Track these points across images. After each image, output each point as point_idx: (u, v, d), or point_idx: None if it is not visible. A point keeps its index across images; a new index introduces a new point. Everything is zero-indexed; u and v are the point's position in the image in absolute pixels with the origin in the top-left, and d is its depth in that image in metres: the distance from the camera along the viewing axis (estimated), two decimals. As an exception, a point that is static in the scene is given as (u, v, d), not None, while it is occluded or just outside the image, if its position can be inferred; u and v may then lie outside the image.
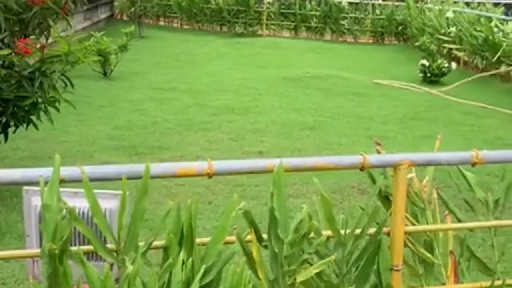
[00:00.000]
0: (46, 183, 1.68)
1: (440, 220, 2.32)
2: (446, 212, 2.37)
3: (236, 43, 14.05)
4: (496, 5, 11.87)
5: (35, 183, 1.72)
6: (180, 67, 10.66)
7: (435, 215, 2.36)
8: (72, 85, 4.31)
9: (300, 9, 15.71)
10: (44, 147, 5.60)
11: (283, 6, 15.87)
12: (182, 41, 14.12)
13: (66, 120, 6.04)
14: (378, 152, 2.32)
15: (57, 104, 4.28)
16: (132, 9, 15.11)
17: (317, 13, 15.53)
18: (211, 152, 5.75)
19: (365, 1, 15.62)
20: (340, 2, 15.48)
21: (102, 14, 15.90)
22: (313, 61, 11.79)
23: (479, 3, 12.13)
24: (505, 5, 12.37)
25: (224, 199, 4.50)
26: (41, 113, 4.31)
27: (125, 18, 16.78)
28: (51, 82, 4.14)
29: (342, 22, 15.41)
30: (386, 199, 2.24)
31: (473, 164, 2.16)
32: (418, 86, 8.89)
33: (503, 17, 10.13)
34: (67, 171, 1.74)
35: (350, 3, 15.58)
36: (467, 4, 12.39)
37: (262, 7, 15.90)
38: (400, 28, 14.78)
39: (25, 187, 2.12)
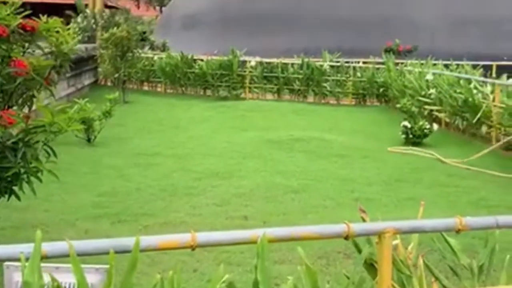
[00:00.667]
0: (27, 259, 1.66)
1: (427, 287, 2.31)
2: (433, 279, 2.36)
3: (220, 106, 14.16)
4: (474, 67, 12.09)
5: (16, 259, 1.70)
6: (164, 131, 10.70)
7: (421, 282, 2.35)
8: (55, 155, 4.30)
9: (282, 72, 15.92)
10: (27, 216, 5.54)
11: (266, 70, 16.07)
12: (166, 106, 14.21)
13: (49, 188, 5.99)
14: (363, 220, 2.32)
15: (39, 174, 4.25)
16: (116, 75, 15.23)
17: (300, 76, 15.74)
18: (195, 218, 5.71)
19: (346, 64, 15.87)
20: (321, 65, 15.72)
21: (86, 80, 16.01)
22: (296, 124, 11.88)
23: (457, 65, 12.36)
24: (484, 66, 12.61)
25: (209, 267, 4.44)
26: (24, 183, 4.28)
27: (109, 83, 16.90)
28: (34, 152, 4.12)
29: (324, 84, 15.60)
30: (371, 266, 2.23)
31: (457, 231, 2.17)
32: (434, 153, 8.76)
33: (482, 78, 10.31)
34: (49, 247, 1.72)
35: (332, 66, 15.82)
36: (446, 66, 12.62)
37: (245, 71, 16.10)
38: (381, 90, 14.98)
39: (6, 263, 2.08)
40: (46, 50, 4.46)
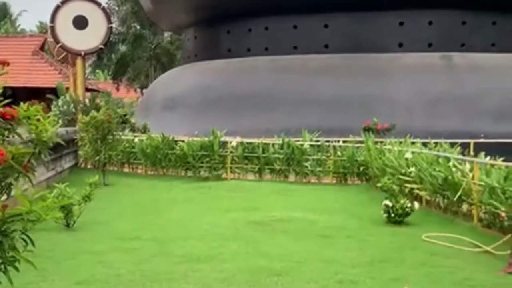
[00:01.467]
0: None
1: None
2: None
3: (201, 187, 14.12)
4: (452, 145, 12.24)
5: None
6: (144, 214, 10.60)
7: None
8: (33, 244, 4.21)
9: (263, 152, 16.00)
10: (3, 306, 5.37)
11: (246, 150, 16.15)
12: (146, 188, 14.14)
13: (26, 276, 5.85)
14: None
15: (16, 263, 4.15)
16: (97, 158, 15.21)
17: (281, 156, 15.81)
18: (177, 305, 5.57)
19: (326, 143, 15.99)
20: (302, 145, 15.83)
21: (66, 163, 15.96)
22: (278, 204, 11.84)
23: (436, 144, 12.50)
24: (461, 144, 12.76)
25: None
26: (0, 273, 4.17)
27: (89, 166, 16.86)
28: (11, 242, 4.04)
29: (305, 164, 15.67)
30: None
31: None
32: (474, 242, 8.48)
33: (460, 157, 10.42)
34: None
35: (312, 145, 15.93)
36: (425, 144, 12.75)
37: (226, 151, 16.16)
38: (362, 168, 15.07)
39: None
40: (25, 137, 4.44)
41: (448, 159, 10.37)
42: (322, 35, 23.39)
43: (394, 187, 10.32)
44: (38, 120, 4.45)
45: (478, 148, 12.85)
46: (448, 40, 22.44)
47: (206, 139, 16.36)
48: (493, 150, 11.29)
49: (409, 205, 9.79)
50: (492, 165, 9.45)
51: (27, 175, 4.58)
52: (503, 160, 9.59)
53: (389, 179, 10.70)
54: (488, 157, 10.07)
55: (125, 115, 18.90)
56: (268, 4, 23.45)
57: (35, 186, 6.49)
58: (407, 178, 11.31)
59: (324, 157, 15.76)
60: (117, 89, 52.19)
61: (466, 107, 20.61)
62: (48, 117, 4.56)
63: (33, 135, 4.46)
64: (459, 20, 22.55)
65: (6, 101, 4.25)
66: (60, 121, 17.98)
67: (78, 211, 9.20)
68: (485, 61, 22.05)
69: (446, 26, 22.52)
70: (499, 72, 21.66)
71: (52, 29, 20.67)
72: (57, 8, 20.64)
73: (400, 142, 13.53)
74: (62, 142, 4.68)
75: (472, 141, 15.83)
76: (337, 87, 21.81)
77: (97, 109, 17.49)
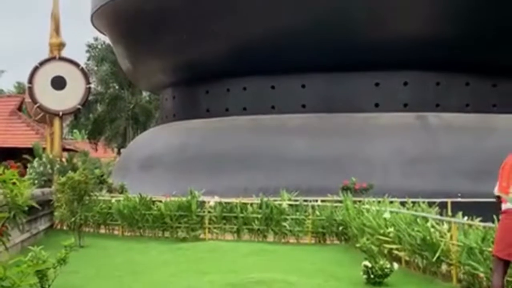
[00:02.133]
0: None
1: None
2: None
3: (179, 248, 13.94)
4: (430, 204, 12.29)
5: None
6: (120, 277, 10.41)
7: None
8: (5, 311, 4.11)
9: (241, 212, 15.91)
10: None
11: (225, 210, 16.06)
12: (123, 249, 13.93)
13: None
14: None
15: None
16: (73, 219, 15.02)
17: (259, 216, 15.74)
18: None
19: (305, 203, 15.96)
20: (280, 205, 15.79)
21: (42, 225, 15.73)
22: (256, 264, 11.72)
23: (414, 203, 12.54)
24: (439, 204, 12.82)
25: None
26: None
27: (65, 227, 16.63)
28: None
29: (284, 223, 15.60)
30: None
31: None
32: None
33: (438, 217, 10.45)
34: None
35: (291, 205, 15.90)
36: (403, 204, 12.79)
37: (204, 211, 16.05)
38: (340, 228, 15.02)
39: None
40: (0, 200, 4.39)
41: (426, 219, 10.39)
42: (299, 95, 23.67)
43: (373, 247, 10.29)
44: (14, 183, 4.41)
45: (456, 207, 12.91)
46: (423, 100, 22.83)
47: (184, 199, 16.27)
48: (470, 209, 11.36)
49: (388, 265, 9.74)
50: (470, 225, 9.48)
51: (1, 240, 4.51)
52: (481, 220, 9.62)
53: (368, 239, 10.67)
54: (466, 217, 10.11)
55: (102, 176, 18.80)
56: (246, 65, 23.76)
57: (9, 249, 6.37)
58: (386, 238, 11.28)
59: (302, 217, 15.71)
60: (95, 150, 52.06)
61: (443, 166, 20.80)
62: (24, 180, 4.52)
63: (8, 199, 4.41)
64: (433, 81, 22.99)
65: (-18, 165, 4.22)
66: (37, 182, 17.84)
67: (53, 275, 9.01)
68: (460, 121, 22.40)
69: (421, 87, 22.94)
70: (473, 132, 22.00)
71: (30, 89, 20.70)
72: (35, 69, 20.72)
73: (379, 202, 13.55)
74: (37, 206, 4.63)
75: (449, 200, 15.91)
76: (315, 147, 21.95)
77: (74, 169, 17.38)
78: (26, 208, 4.47)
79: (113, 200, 17.15)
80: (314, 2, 22.02)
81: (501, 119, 22.63)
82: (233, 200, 16.25)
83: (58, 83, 20.66)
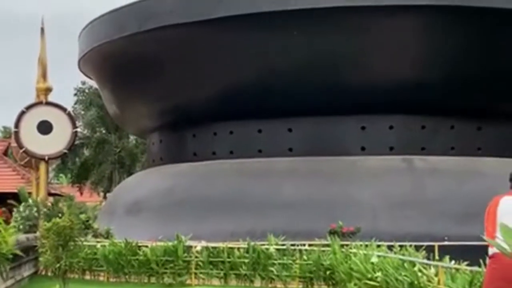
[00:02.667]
0: None
1: None
2: None
3: (165, 295, 13.80)
4: (417, 248, 12.27)
5: None
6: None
7: None
8: None
9: (228, 257, 15.80)
10: None
11: (211, 254, 15.94)
12: (108, 296, 13.76)
13: None
14: None
15: None
16: (57, 265, 14.83)
17: (246, 260, 15.63)
18: None
19: (292, 247, 15.88)
20: (267, 249, 15.70)
21: (26, 271, 15.53)
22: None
23: (401, 247, 12.51)
24: (426, 248, 12.80)
25: None
26: None
27: (50, 274, 16.41)
28: None
29: (271, 268, 15.49)
30: None
31: None
32: None
33: (425, 261, 10.42)
34: None
35: (278, 249, 15.81)
36: (390, 248, 12.76)
37: (190, 256, 15.93)
38: (328, 272, 14.92)
39: None
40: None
41: (413, 264, 10.37)
42: (286, 139, 23.76)
43: (361, 292, 10.23)
44: (-2, 231, 4.37)
45: (443, 251, 12.90)
46: (409, 143, 22.98)
47: (170, 243, 16.14)
48: (457, 253, 11.34)
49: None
50: (457, 269, 9.46)
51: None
52: (468, 264, 9.62)
53: (355, 284, 10.63)
54: (453, 261, 10.10)
55: (87, 221, 18.64)
56: (233, 109, 23.89)
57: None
58: (373, 283, 11.22)
59: (290, 261, 15.61)
60: (81, 193, 51.74)
61: (429, 210, 20.83)
62: (9, 228, 4.50)
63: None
64: (418, 124, 23.18)
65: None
66: (22, 227, 17.67)
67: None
68: (445, 165, 22.53)
69: (407, 130, 23.11)
70: (459, 175, 22.11)
71: (16, 134, 20.65)
72: (21, 114, 20.71)
73: (366, 246, 13.51)
74: (22, 254, 4.59)
75: (436, 244, 15.90)
76: (301, 190, 21.94)
77: (60, 214, 17.24)
78: (11, 256, 4.44)
79: (99, 245, 16.99)
80: (299, 47, 22.28)
81: (486, 162, 22.79)
82: (220, 244, 16.14)
83: (45, 127, 20.63)
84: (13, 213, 19.45)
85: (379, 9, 21.48)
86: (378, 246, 13.44)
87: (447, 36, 22.05)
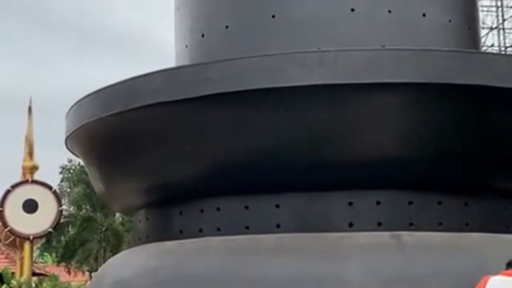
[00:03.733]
0: None
1: None
2: None
3: None
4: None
5: None
6: None
7: None
8: None
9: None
10: None
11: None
12: None
13: None
14: None
15: None
16: None
17: None
18: None
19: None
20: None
21: None
22: None
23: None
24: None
25: None
26: None
27: None
28: None
29: None
30: None
31: None
32: None
33: None
34: None
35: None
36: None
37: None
38: None
39: None
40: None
41: None
42: (273, 215, 23.62)
43: None
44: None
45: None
46: (397, 219, 22.90)
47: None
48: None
49: None
50: None
51: None
52: None
53: None
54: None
55: (71, 301, 18.25)
56: (220, 185, 23.85)
57: None
58: None
59: None
60: (68, 273, 50.91)
61: (418, 286, 20.61)
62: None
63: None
64: (406, 200, 23.16)
65: None
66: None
67: None
68: (434, 240, 22.42)
69: (394, 206, 23.07)
70: (448, 251, 21.98)
71: (1, 213, 20.49)
72: (7, 192, 20.63)
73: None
74: None
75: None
76: (289, 267, 21.69)
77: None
78: None
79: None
80: (285, 123, 22.48)
81: (474, 238, 22.73)
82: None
83: (30, 206, 20.52)
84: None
85: (365, 87, 21.78)
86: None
87: (433, 112, 22.32)
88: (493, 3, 50.55)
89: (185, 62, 27.67)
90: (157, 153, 25.78)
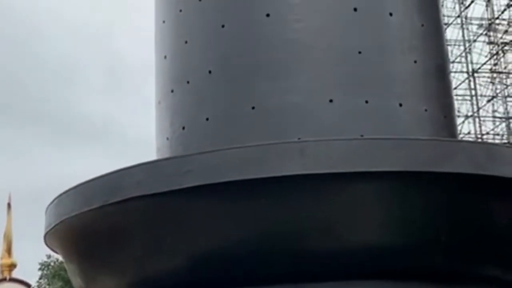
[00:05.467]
0: None
1: None
2: None
3: None
4: None
5: None
6: None
7: None
8: None
9: None
10: None
11: None
12: None
13: None
14: None
15: None
16: None
17: None
18: None
19: None
20: None
21: None
22: None
23: None
24: None
25: None
26: None
27: None
28: None
29: None
30: None
31: None
32: None
33: None
34: None
35: None
36: None
37: None
38: None
39: None
40: None
41: None
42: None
43: None
44: None
45: None
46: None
47: None
48: None
49: None
50: None
51: None
52: None
53: None
54: None
55: None
56: (201, 278, 23.34)
57: None
58: None
59: None
60: None
61: None
62: None
63: None
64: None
65: None
66: None
67: None
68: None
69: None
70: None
71: (-23, 313, 19.83)
72: (-17, 292, 20.02)
73: None
74: None
75: None
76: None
77: None
78: None
79: None
80: (266, 214, 22.34)
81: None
82: None
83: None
84: None
85: (346, 176, 21.81)
86: None
87: (415, 201, 22.31)
88: (467, 92, 51.97)
89: (167, 154, 27.66)
90: (138, 246, 25.27)
